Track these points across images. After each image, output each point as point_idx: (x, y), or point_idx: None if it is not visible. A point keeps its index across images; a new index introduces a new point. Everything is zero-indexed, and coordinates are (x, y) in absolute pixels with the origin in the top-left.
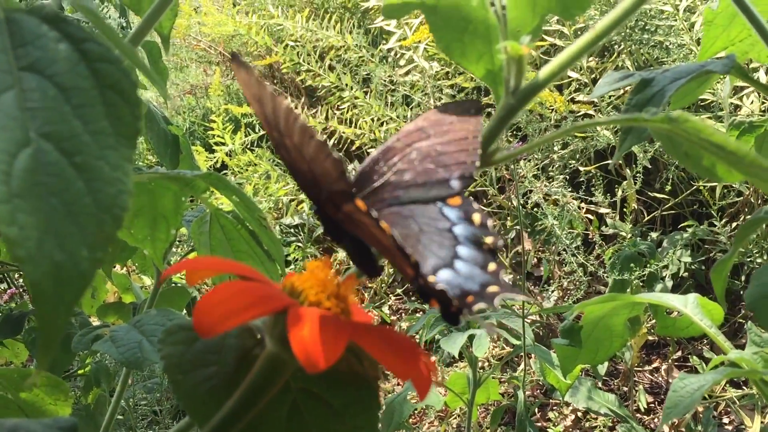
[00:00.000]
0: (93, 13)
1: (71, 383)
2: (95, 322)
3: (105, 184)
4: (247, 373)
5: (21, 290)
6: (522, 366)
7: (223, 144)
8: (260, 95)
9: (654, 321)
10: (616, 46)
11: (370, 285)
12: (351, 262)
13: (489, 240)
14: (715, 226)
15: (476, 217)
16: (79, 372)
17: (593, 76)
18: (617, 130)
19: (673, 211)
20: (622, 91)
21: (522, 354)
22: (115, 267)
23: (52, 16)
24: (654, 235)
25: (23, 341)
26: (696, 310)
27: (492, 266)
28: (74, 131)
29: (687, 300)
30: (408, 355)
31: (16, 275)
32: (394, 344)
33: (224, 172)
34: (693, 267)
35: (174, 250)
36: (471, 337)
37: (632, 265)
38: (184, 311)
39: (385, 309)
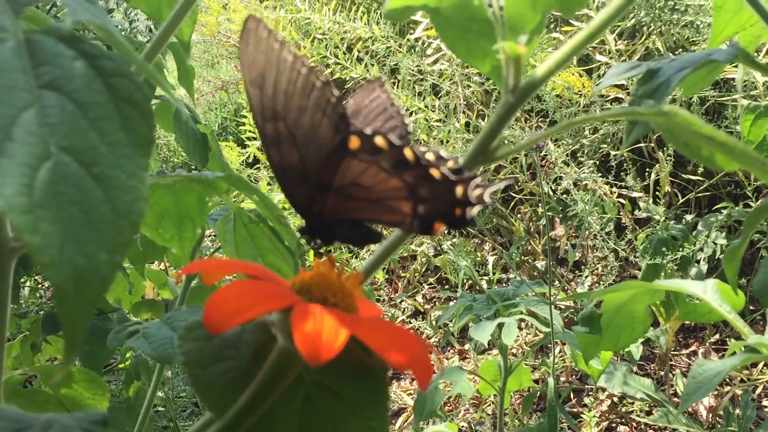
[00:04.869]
0: (107, 30)
1: (113, 377)
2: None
3: (122, 192)
4: (262, 367)
5: None
6: (555, 352)
7: (255, 139)
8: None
9: None
10: (646, 28)
11: (403, 275)
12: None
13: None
14: (751, 207)
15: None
16: (120, 366)
17: (623, 59)
18: None
19: (708, 193)
20: None
21: (557, 340)
22: (153, 263)
23: (68, 36)
24: (689, 217)
25: None
26: (715, 296)
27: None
28: (92, 143)
29: (706, 286)
30: (408, 347)
31: None
32: (394, 337)
33: (257, 165)
34: None
35: (209, 245)
36: (501, 326)
37: (664, 249)
38: None
39: (419, 298)
